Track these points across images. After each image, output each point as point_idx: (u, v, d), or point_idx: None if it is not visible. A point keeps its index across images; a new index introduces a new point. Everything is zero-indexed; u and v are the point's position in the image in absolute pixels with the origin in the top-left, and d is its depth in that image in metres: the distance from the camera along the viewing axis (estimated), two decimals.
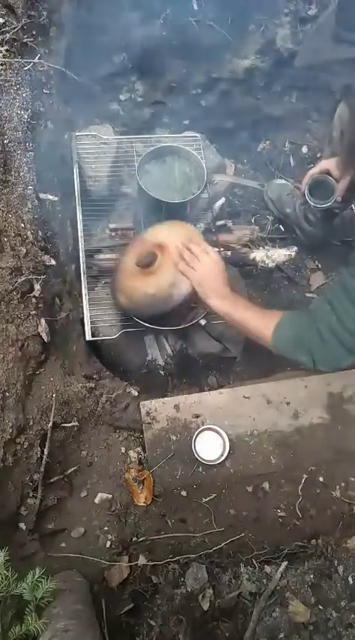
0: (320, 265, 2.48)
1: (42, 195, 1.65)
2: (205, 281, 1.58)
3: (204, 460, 1.51)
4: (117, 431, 1.57)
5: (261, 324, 1.44)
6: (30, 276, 1.44)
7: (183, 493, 1.50)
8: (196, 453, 1.51)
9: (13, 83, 1.60)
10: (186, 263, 1.62)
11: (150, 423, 1.56)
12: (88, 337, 1.74)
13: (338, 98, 2.00)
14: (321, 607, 1.38)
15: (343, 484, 1.57)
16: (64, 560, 1.40)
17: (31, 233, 1.51)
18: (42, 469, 1.37)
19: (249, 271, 2.22)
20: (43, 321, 1.45)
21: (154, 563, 1.43)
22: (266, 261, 2.08)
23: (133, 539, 1.46)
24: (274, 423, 1.61)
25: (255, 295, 2.31)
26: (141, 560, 1.42)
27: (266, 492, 1.53)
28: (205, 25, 2.13)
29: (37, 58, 1.70)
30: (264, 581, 1.42)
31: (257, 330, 1.45)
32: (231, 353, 1.92)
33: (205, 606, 1.36)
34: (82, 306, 1.76)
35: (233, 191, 2.49)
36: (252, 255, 2.09)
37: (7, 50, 1.63)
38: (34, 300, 1.45)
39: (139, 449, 1.56)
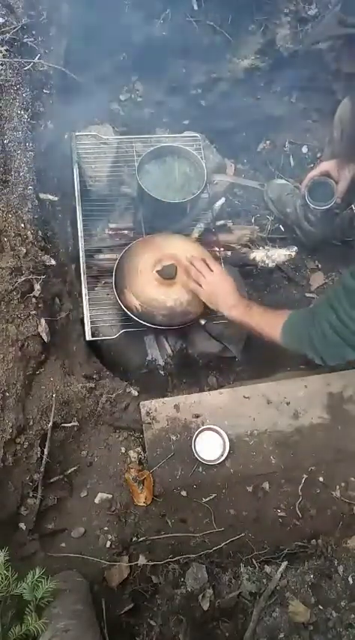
0: (320, 265, 2.48)
1: (42, 195, 1.65)
2: (213, 296, 1.66)
3: (204, 460, 1.51)
4: (117, 431, 1.57)
5: (270, 326, 1.50)
6: (30, 276, 1.44)
7: (183, 493, 1.50)
8: (196, 453, 1.51)
9: (13, 83, 1.60)
10: (194, 281, 1.70)
11: (150, 423, 1.56)
12: (88, 337, 1.74)
13: (340, 98, 2.00)
14: (321, 607, 1.38)
15: (343, 484, 1.57)
16: (64, 560, 1.40)
17: (31, 233, 1.51)
18: (42, 469, 1.37)
19: (249, 271, 2.22)
20: (43, 321, 1.45)
21: (154, 563, 1.43)
22: (266, 261, 2.08)
23: (133, 539, 1.46)
24: (274, 423, 1.61)
25: (255, 295, 2.31)
26: (141, 560, 1.42)
27: (266, 492, 1.53)
28: (205, 25, 2.13)
29: (37, 58, 1.70)
30: (264, 581, 1.42)
31: (268, 332, 1.51)
32: (231, 353, 1.93)
33: (205, 606, 1.36)
34: (82, 306, 1.77)
35: (233, 191, 2.49)
36: (252, 255, 2.09)
37: (7, 50, 1.63)
38: (34, 300, 1.45)
39: (139, 449, 1.56)
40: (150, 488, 1.48)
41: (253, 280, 2.32)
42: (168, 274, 1.74)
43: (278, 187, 2.44)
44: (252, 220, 2.49)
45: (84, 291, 1.78)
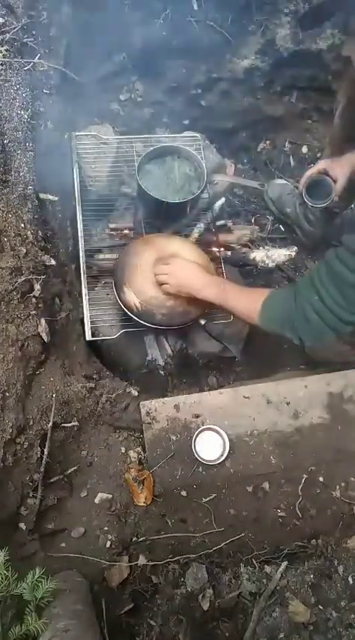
0: None
1: (42, 195, 1.65)
2: (181, 284, 1.62)
3: (204, 460, 1.51)
4: (117, 431, 1.57)
5: (248, 304, 1.46)
6: (30, 276, 1.44)
7: (183, 493, 1.50)
8: (196, 453, 1.51)
9: (13, 83, 1.60)
10: (162, 282, 1.66)
11: (150, 423, 1.56)
12: (88, 337, 1.74)
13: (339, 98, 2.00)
14: (321, 607, 1.38)
15: (343, 484, 1.57)
16: (64, 560, 1.40)
17: (31, 233, 1.51)
18: (42, 469, 1.37)
19: (249, 271, 2.23)
20: (43, 321, 1.45)
21: (154, 563, 1.43)
22: (266, 261, 2.08)
23: (133, 539, 1.46)
24: (274, 423, 1.61)
25: None
26: (141, 560, 1.42)
27: (266, 492, 1.53)
28: (205, 25, 2.13)
29: (37, 58, 1.70)
30: (264, 581, 1.42)
31: (245, 313, 1.47)
32: (231, 353, 1.93)
33: (205, 606, 1.36)
34: (82, 306, 1.77)
35: (233, 191, 2.49)
36: (252, 255, 2.09)
37: (7, 50, 1.63)
38: (34, 300, 1.45)
39: (139, 449, 1.56)
40: (150, 488, 1.48)
41: (253, 280, 2.32)
42: None
43: (278, 187, 2.44)
44: (252, 220, 2.49)
45: (84, 291, 1.78)
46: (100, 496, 1.48)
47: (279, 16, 2.19)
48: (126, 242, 1.92)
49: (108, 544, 1.44)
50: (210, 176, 2.07)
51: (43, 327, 1.45)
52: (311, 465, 1.57)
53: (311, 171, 1.91)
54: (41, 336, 1.44)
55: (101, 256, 1.94)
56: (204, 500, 1.50)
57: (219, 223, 2.12)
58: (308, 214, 2.28)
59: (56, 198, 1.72)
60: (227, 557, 1.47)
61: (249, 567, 1.45)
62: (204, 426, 1.55)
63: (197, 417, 1.59)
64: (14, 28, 1.66)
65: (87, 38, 1.98)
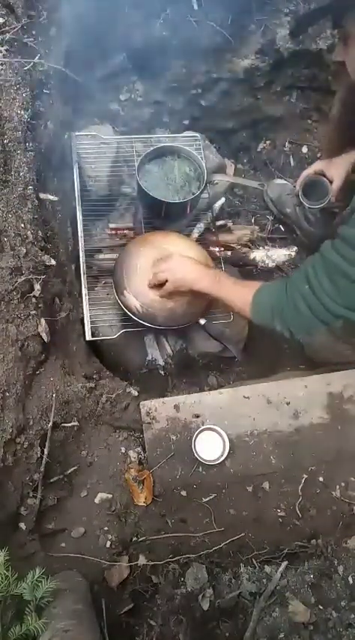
0: None
1: (42, 195, 1.64)
2: (178, 279, 1.61)
3: (204, 460, 1.51)
4: (117, 431, 1.57)
5: (241, 295, 1.45)
6: (30, 276, 1.44)
7: (183, 493, 1.50)
8: (196, 453, 1.51)
9: (13, 83, 1.60)
10: (161, 280, 1.65)
11: (150, 423, 1.56)
12: (88, 337, 1.74)
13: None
14: (321, 607, 1.38)
15: (343, 484, 1.57)
16: (64, 560, 1.40)
17: (31, 233, 1.51)
18: (42, 469, 1.37)
19: (249, 271, 2.22)
20: (43, 321, 1.45)
21: (154, 563, 1.43)
22: (266, 261, 2.09)
23: (133, 539, 1.46)
24: (274, 423, 1.61)
25: None
26: (141, 560, 1.42)
27: (266, 492, 1.53)
28: (205, 25, 2.12)
29: (37, 58, 1.69)
30: (264, 581, 1.42)
31: (238, 305, 1.46)
32: (231, 353, 1.93)
33: (205, 606, 1.36)
34: (82, 306, 1.77)
35: (233, 191, 2.49)
36: (252, 255, 2.09)
37: (7, 50, 1.63)
38: (34, 300, 1.45)
39: (139, 449, 1.56)
40: (150, 488, 1.48)
41: (253, 280, 2.32)
42: None
43: (278, 187, 2.44)
44: (252, 220, 2.49)
45: (84, 291, 1.78)
46: (100, 496, 1.48)
47: (279, 16, 2.19)
48: (126, 242, 1.92)
49: (108, 544, 1.44)
50: (210, 176, 2.07)
51: (43, 327, 1.45)
52: (311, 465, 1.57)
53: (308, 171, 1.92)
54: (41, 336, 1.44)
55: (101, 256, 1.94)
56: (204, 500, 1.50)
57: (219, 223, 2.12)
58: (307, 214, 2.29)
59: (56, 198, 1.72)
60: (227, 557, 1.47)
61: (249, 567, 1.45)
62: (204, 426, 1.55)
63: (197, 417, 1.59)
64: (14, 28, 1.65)
65: (87, 38, 1.98)
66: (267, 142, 2.67)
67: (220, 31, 2.14)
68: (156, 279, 1.66)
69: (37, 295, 1.46)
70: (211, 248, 2.01)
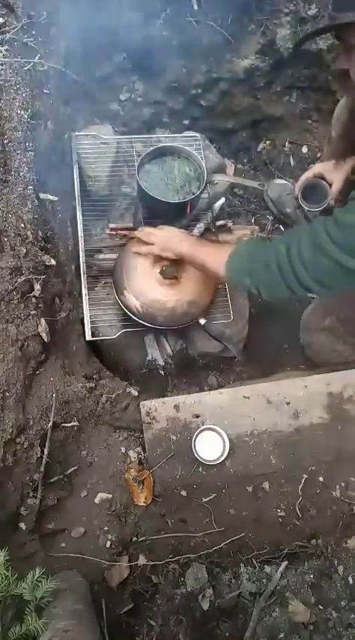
0: None
1: (42, 195, 1.65)
2: (166, 242, 1.64)
3: (204, 460, 1.51)
4: (117, 431, 1.57)
5: (215, 256, 1.45)
6: (30, 276, 1.44)
7: (183, 493, 1.50)
8: (196, 452, 1.51)
9: (13, 83, 1.60)
10: (144, 243, 1.69)
11: (150, 423, 1.56)
12: (88, 337, 1.74)
13: (339, 98, 2.00)
14: (321, 607, 1.38)
15: (343, 484, 1.57)
16: (64, 560, 1.40)
17: (31, 233, 1.51)
18: (42, 469, 1.37)
19: None
20: (43, 321, 1.45)
21: (154, 563, 1.43)
22: None
23: (133, 539, 1.46)
24: (274, 423, 1.61)
25: (255, 295, 2.31)
26: (141, 560, 1.42)
27: (266, 492, 1.53)
28: (205, 25, 2.12)
29: (37, 58, 1.69)
30: (264, 581, 1.42)
31: (212, 263, 1.46)
32: (231, 353, 1.93)
33: (205, 606, 1.36)
34: (82, 306, 1.77)
35: (233, 191, 2.49)
36: None
37: (7, 50, 1.63)
38: (34, 300, 1.45)
39: (139, 449, 1.56)
40: (150, 488, 1.48)
41: None
42: (170, 274, 1.74)
43: (278, 187, 2.44)
44: (252, 220, 2.49)
45: (84, 291, 1.78)
46: (100, 496, 1.48)
47: (279, 16, 2.19)
48: (126, 242, 1.92)
49: (108, 544, 1.44)
50: (210, 176, 2.07)
51: (43, 327, 1.45)
52: (311, 465, 1.57)
53: (307, 174, 1.92)
54: (41, 336, 1.44)
55: (101, 256, 1.94)
56: (204, 500, 1.50)
57: (219, 223, 2.12)
58: (307, 215, 2.29)
59: (56, 198, 1.72)
60: (227, 557, 1.47)
61: (249, 567, 1.45)
62: (204, 426, 1.55)
63: (197, 417, 1.59)
64: (14, 28, 1.66)
65: (87, 38, 1.98)
66: (267, 142, 2.67)
67: (220, 31, 2.14)
68: (143, 250, 1.70)
69: (37, 295, 1.46)
70: None
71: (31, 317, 1.43)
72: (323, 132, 2.54)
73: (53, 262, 1.56)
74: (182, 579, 1.41)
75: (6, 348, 1.36)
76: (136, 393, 1.65)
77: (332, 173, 1.85)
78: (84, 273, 1.80)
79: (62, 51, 1.87)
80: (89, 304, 1.77)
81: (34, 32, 1.72)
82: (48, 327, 1.47)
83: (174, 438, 1.55)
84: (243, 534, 1.48)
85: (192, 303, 1.75)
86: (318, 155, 2.56)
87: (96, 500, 1.48)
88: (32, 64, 1.67)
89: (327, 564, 1.45)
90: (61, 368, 1.51)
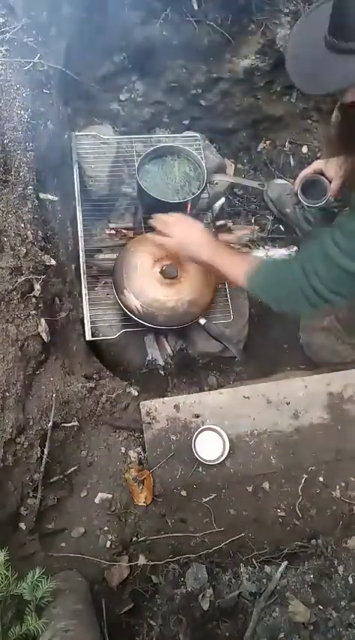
0: None
1: (42, 195, 1.65)
2: (185, 242, 1.57)
3: (204, 460, 1.51)
4: (117, 431, 1.57)
5: (238, 268, 1.45)
6: (30, 276, 1.44)
7: (183, 493, 1.50)
8: (196, 453, 1.51)
9: (13, 83, 1.60)
10: (160, 234, 1.61)
11: (150, 423, 1.56)
12: (88, 337, 1.74)
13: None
14: (321, 607, 1.38)
15: (343, 484, 1.57)
16: (64, 560, 1.40)
17: (31, 233, 1.51)
18: (42, 469, 1.37)
19: None
20: (43, 321, 1.45)
21: (154, 563, 1.43)
22: None
23: (133, 539, 1.46)
24: (274, 423, 1.61)
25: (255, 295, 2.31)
26: (141, 560, 1.42)
27: (266, 492, 1.53)
28: (205, 25, 2.13)
29: (37, 58, 1.69)
30: (264, 581, 1.42)
31: (235, 274, 1.46)
32: (231, 353, 1.93)
33: (205, 606, 1.36)
34: (82, 306, 1.77)
35: (233, 191, 2.49)
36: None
37: (7, 50, 1.63)
38: (34, 300, 1.45)
39: (139, 449, 1.56)
40: (150, 488, 1.48)
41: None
42: (170, 274, 1.74)
43: (278, 187, 2.44)
44: (252, 220, 2.49)
45: (84, 291, 1.78)
46: (100, 496, 1.48)
47: (279, 16, 2.19)
48: (126, 242, 1.92)
49: (108, 544, 1.44)
50: (210, 176, 2.07)
51: (43, 327, 1.45)
52: (311, 465, 1.57)
53: (306, 171, 1.92)
54: (41, 336, 1.44)
55: (101, 256, 1.94)
56: (204, 500, 1.50)
57: (219, 223, 2.12)
58: (307, 215, 2.28)
59: (56, 198, 1.72)
60: (227, 557, 1.47)
61: (249, 567, 1.45)
62: (204, 426, 1.55)
63: (197, 417, 1.59)
64: (14, 28, 1.66)
65: (87, 38, 1.98)
66: (267, 142, 2.67)
67: (220, 31, 2.14)
68: (157, 240, 1.63)
69: (37, 295, 1.46)
70: None
71: (31, 317, 1.43)
72: (323, 132, 2.54)
73: (53, 262, 1.56)
74: (182, 579, 1.41)
75: (6, 348, 1.36)
76: (136, 393, 1.65)
77: (332, 169, 1.85)
78: (84, 273, 1.80)
79: (62, 51, 1.87)
80: (89, 304, 1.77)
81: (34, 32, 1.72)
82: (48, 327, 1.47)
83: (174, 438, 1.55)
84: (243, 534, 1.48)
85: (192, 303, 1.75)
86: (318, 155, 2.56)
87: (96, 500, 1.48)
88: (32, 64, 1.67)
89: (327, 564, 1.45)
90: (61, 368, 1.51)
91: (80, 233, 1.84)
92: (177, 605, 1.37)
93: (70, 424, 1.47)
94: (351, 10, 1.00)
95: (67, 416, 1.47)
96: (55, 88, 1.79)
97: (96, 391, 1.55)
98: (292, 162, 2.63)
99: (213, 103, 2.43)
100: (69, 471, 1.48)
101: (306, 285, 1.26)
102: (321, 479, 1.56)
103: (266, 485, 1.54)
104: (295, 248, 2.12)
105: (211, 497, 1.51)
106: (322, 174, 1.87)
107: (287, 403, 1.64)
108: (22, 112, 1.59)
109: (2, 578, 1.11)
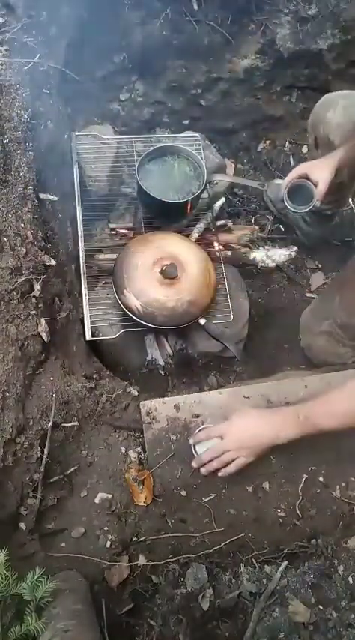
0: (320, 265, 2.48)
1: (42, 195, 1.65)
2: (247, 445, 1.36)
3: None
4: (117, 431, 1.57)
5: (348, 407, 1.23)
6: (30, 276, 1.44)
7: (183, 493, 1.50)
8: (196, 452, 1.51)
9: (13, 83, 1.60)
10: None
11: (150, 423, 1.56)
12: (88, 337, 1.74)
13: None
14: (321, 607, 1.38)
15: (343, 484, 1.57)
16: (64, 560, 1.40)
17: (31, 233, 1.51)
18: (42, 469, 1.37)
19: (249, 271, 2.23)
20: (43, 321, 1.45)
21: (154, 563, 1.43)
22: (266, 261, 2.08)
23: (133, 539, 1.46)
24: None
25: (255, 295, 2.31)
26: (141, 560, 1.42)
27: (266, 492, 1.53)
28: (205, 25, 2.13)
29: (37, 58, 1.70)
30: (264, 581, 1.42)
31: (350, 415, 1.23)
32: (231, 353, 1.93)
33: (205, 606, 1.36)
34: (82, 306, 1.77)
35: (233, 191, 2.49)
36: (252, 255, 2.09)
37: (7, 50, 1.63)
38: (34, 300, 1.45)
39: (139, 449, 1.56)
40: (150, 488, 1.48)
41: (253, 280, 2.32)
42: (170, 274, 1.74)
43: (278, 187, 2.44)
44: (252, 220, 2.49)
45: (84, 291, 1.78)
46: (100, 496, 1.48)
47: (279, 16, 2.19)
48: (126, 242, 1.92)
49: (108, 544, 1.44)
50: (210, 176, 2.07)
51: (43, 327, 1.45)
52: (311, 465, 1.57)
53: (292, 175, 1.85)
54: (41, 336, 1.44)
55: (101, 256, 1.94)
56: (204, 500, 1.50)
57: (219, 223, 2.13)
58: (304, 215, 2.29)
59: (56, 198, 1.72)
60: (227, 557, 1.47)
61: (249, 567, 1.45)
62: (204, 426, 1.55)
63: (197, 416, 1.59)
64: (14, 28, 1.66)
65: (87, 38, 1.98)
66: (267, 142, 2.67)
67: (220, 31, 2.14)
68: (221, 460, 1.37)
69: (37, 295, 1.46)
70: (211, 248, 2.01)
71: (31, 317, 1.43)
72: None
73: (53, 262, 1.56)
74: (182, 579, 1.41)
75: (6, 348, 1.36)
76: (136, 393, 1.65)
77: (317, 173, 1.79)
78: (84, 273, 1.80)
79: (62, 51, 1.87)
80: (89, 304, 1.77)
81: (34, 32, 1.72)
82: (48, 327, 1.47)
83: (174, 438, 1.55)
84: (243, 534, 1.48)
85: (192, 303, 1.75)
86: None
87: (96, 500, 1.48)
88: (32, 64, 1.67)
89: (327, 564, 1.45)
90: (61, 368, 1.51)
91: (80, 233, 1.84)
92: (177, 605, 1.37)
93: (70, 424, 1.47)
94: None
95: (67, 416, 1.47)
96: (55, 88, 1.80)
97: (96, 391, 1.55)
98: (292, 162, 2.64)
99: (213, 103, 2.43)
100: (69, 471, 1.47)
101: None
102: (321, 479, 1.56)
103: (266, 485, 1.54)
104: (295, 248, 2.12)
105: (211, 497, 1.51)
106: (307, 178, 1.82)
107: (287, 403, 1.64)
108: (22, 112, 1.59)
109: (2, 578, 1.11)
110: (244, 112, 2.51)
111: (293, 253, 2.10)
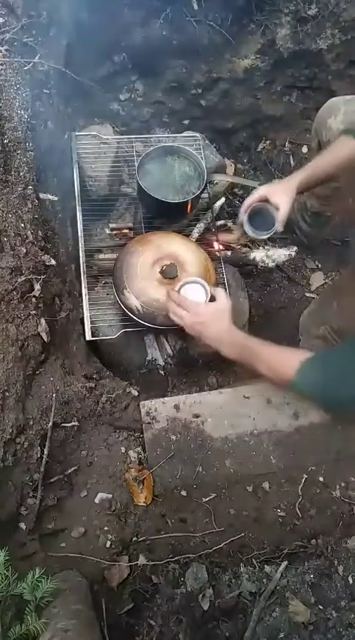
0: (320, 265, 2.48)
1: (42, 195, 1.65)
2: (215, 338, 1.47)
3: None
4: (117, 431, 1.57)
5: (283, 359, 1.32)
6: (30, 276, 1.44)
7: (183, 493, 1.50)
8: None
9: (13, 83, 1.60)
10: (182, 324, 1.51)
11: (150, 423, 1.56)
12: (88, 337, 1.74)
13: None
14: (321, 607, 1.38)
15: (343, 484, 1.57)
16: (64, 560, 1.40)
17: (31, 233, 1.51)
18: (42, 469, 1.37)
19: (249, 271, 2.23)
20: (43, 321, 1.45)
21: (154, 563, 1.43)
22: (266, 261, 2.09)
23: (133, 539, 1.45)
24: (274, 423, 1.61)
25: (255, 295, 2.32)
26: (141, 560, 1.42)
27: (266, 492, 1.53)
28: (205, 25, 2.13)
29: (37, 58, 1.70)
30: (264, 581, 1.42)
31: (277, 366, 1.32)
32: None
33: (205, 606, 1.36)
34: (82, 306, 1.77)
35: (233, 191, 2.49)
36: (251, 255, 2.09)
37: (7, 50, 1.63)
38: (34, 300, 1.45)
39: (139, 449, 1.56)
40: (150, 488, 1.48)
41: (253, 280, 2.33)
42: (170, 274, 1.74)
43: None
44: None
45: (84, 291, 1.78)
46: (100, 496, 1.48)
47: (279, 16, 2.19)
48: (126, 242, 1.92)
49: (108, 544, 1.44)
50: (210, 176, 2.07)
51: (43, 327, 1.45)
52: (311, 465, 1.57)
53: (252, 198, 1.74)
54: (41, 336, 1.44)
55: (101, 256, 1.94)
56: (204, 500, 1.50)
57: (219, 223, 2.13)
58: (304, 215, 2.28)
59: (56, 198, 1.72)
60: (227, 557, 1.47)
61: (249, 567, 1.45)
62: (189, 279, 1.61)
63: (197, 416, 1.59)
64: (14, 28, 1.66)
65: (87, 38, 1.98)
66: (267, 142, 2.67)
67: (220, 31, 2.14)
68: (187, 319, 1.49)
69: (37, 295, 1.46)
70: (211, 248, 2.01)
71: (31, 317, 1.43)
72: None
73: (53, 262, 1.56)
74: (182, 579, 1.41)
75: (6, 348, 1.36)
76: (136, 393, 1.65)
77: (277, 196, 1.68)
78: (84, 273, 1.80)
79: (62, 51, 1.87)
80: (89, 304, 1.77)
81: (34, 32, 1.72)
82: (48, 327, 1.47)
83: (174, 438, 1.55)
84: (243, 534, 1.48)
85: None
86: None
87: (96, 500, 1.48)
88: (32, 64, 1.67)
89: (327, 564, 1.45)
90: (61, 368, 1.51)
91: (80, 233, 1.84)
92: (177, 605, 1.37)
93: (70, 424, 1.47)
94: None
95: (67, 416, 1.47)
96: (55, 88, 1.80)
97: (96, 391, 1.55)
98: (292, 162, 2.64)
99: (213, 103, 2.43)
100: (69, 471, 1.47)
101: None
102: (321, 479, 1.56)
103: (266, 485, 1.54)
104: (295, 248, 2.12)
105: (211, 497, 1.51)
106: (267, 201, 1.71)
107: (287, 403, 1.64)
108: (22, 112, 1.59)
109: (2, 578, 1.11)
110: (244, 112, 2.51)
111: (293, 253, 2.10)
